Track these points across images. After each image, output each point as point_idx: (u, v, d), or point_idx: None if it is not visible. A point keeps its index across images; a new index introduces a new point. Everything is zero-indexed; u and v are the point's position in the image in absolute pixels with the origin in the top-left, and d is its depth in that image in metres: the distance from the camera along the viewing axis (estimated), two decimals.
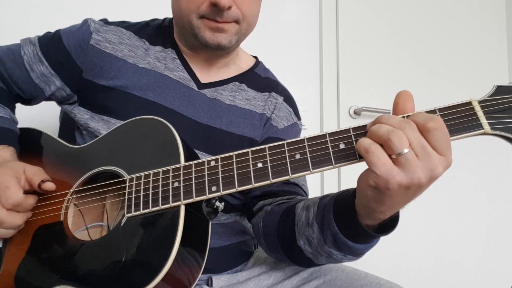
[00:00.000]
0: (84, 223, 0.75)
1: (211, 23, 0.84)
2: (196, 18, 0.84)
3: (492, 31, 2.19)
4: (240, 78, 0.98)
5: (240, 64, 1.01)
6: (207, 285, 0.86)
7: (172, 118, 0.86)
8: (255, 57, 1.07)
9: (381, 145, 0.52)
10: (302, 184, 0.92)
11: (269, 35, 1.74)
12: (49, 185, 0.74)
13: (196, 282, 0.68)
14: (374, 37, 1.95)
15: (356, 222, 0.61)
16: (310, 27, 1.86)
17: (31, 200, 0.73)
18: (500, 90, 0.54)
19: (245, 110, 0.94)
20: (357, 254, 0.68)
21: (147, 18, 1.02)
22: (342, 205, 0.65)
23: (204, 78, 0.94)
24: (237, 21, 0.86)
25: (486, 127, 0.52)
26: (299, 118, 1.03)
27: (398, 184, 0.51)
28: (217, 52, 0.92)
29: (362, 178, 0.57)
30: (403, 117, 0.55)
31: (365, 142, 0.53)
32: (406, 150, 0.50)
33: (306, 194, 0.92)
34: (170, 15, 1.01)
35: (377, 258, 1.84)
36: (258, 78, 1.01)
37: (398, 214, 0.61)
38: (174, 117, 0.88)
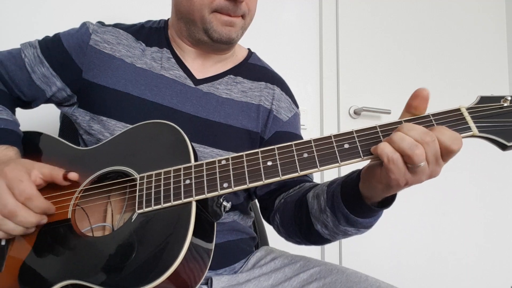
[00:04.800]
0: (88, 223, 0.78)
1: (224, 17, 0.91)
2: (208, 13, 0.91)
3: (492, 31, 2.24)
4: (235, 70, 1.04)
5: (237, 55, 1.07)
6: (207, 285, 0.89)
7: (171, 115, 0.92)
8: (248, 49, 1.13)
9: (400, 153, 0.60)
10: None
11: (269, 35, 1.79)
12: (74, 175, 0.78)
13: (201, 282, 0.71)
14: (374, 37, 2.00)
15: (364, 203, 0.71)
16: (310, 27, 1.90)
17: (43, 200, 0.74)
18: (483, 99, 0.64)
19: (242, 103, 1.00)
20: (369, 226, 0.77)
21: (142, 19, 1.08)
22: (349, 190, 0.74)
23: (199, 74, 1.00)
24: (243, 16, 0.94)
25: (475, 130, 0.62)
26: (297, 107, 1.10)
27: (406, 184, 0.62)
28: (223, 47, 0.98)
29: (372, 176, 0.66)
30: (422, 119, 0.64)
31: (387, 149, 0.60)
32: (423, 164, 0.60)
33: (312, 179, 1.00)
34: (163, 17, 1.08)
35: (377, 258, 1.89)
36: (254, 68, 1.07)
37: None
38: (173, 115, 0.93)
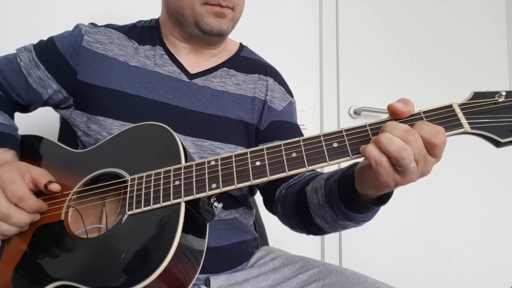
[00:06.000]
0: (83, 225, 0.77)
1: (215, 8, 0.92)
2: (199, 5, 0.92)
3: (492, 31, 2.22)
4: (229, 63, 1.05)
5: (229, 49, 1.08)
6: (205, 285, 0.89)
7: (167, 111, 0.93)
8: (239, 43, 1.13)
9: (387, 156, 0.58)
10: None
11: (269, 35, 1.78)
12: (55, 186, 0.77)
13: (193, 282, 0.71)
14: (374, 37, 1.99)
15: (360, 201, 0.70)
16: (310, 27, 1.89)
17: (35, 199, 0.75)
18: (477, 95, 0.61)
19: (237, 95, 1.00)
20: (368, 220, 0.76)
21: (133, 20, 1.08)
22: (345, 188, 0.73)
23: (193, 69, 1.00)
24: (233, 8, 0.95)
25: (466, 126, 0.59)
26: (292, 96, 1.10)
27: (396, 185, 0.61)
28: (214, 39, 0.99)
29: (363, 176, 0.64)
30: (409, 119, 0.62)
31: (374, 152, 0.58)
32: (412, 166, 0.57)
33: None
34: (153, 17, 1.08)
35: (377, 259, 1.88)
36: (246, 61, 1.08)
37: None
38: (169, 110, 0.93)
